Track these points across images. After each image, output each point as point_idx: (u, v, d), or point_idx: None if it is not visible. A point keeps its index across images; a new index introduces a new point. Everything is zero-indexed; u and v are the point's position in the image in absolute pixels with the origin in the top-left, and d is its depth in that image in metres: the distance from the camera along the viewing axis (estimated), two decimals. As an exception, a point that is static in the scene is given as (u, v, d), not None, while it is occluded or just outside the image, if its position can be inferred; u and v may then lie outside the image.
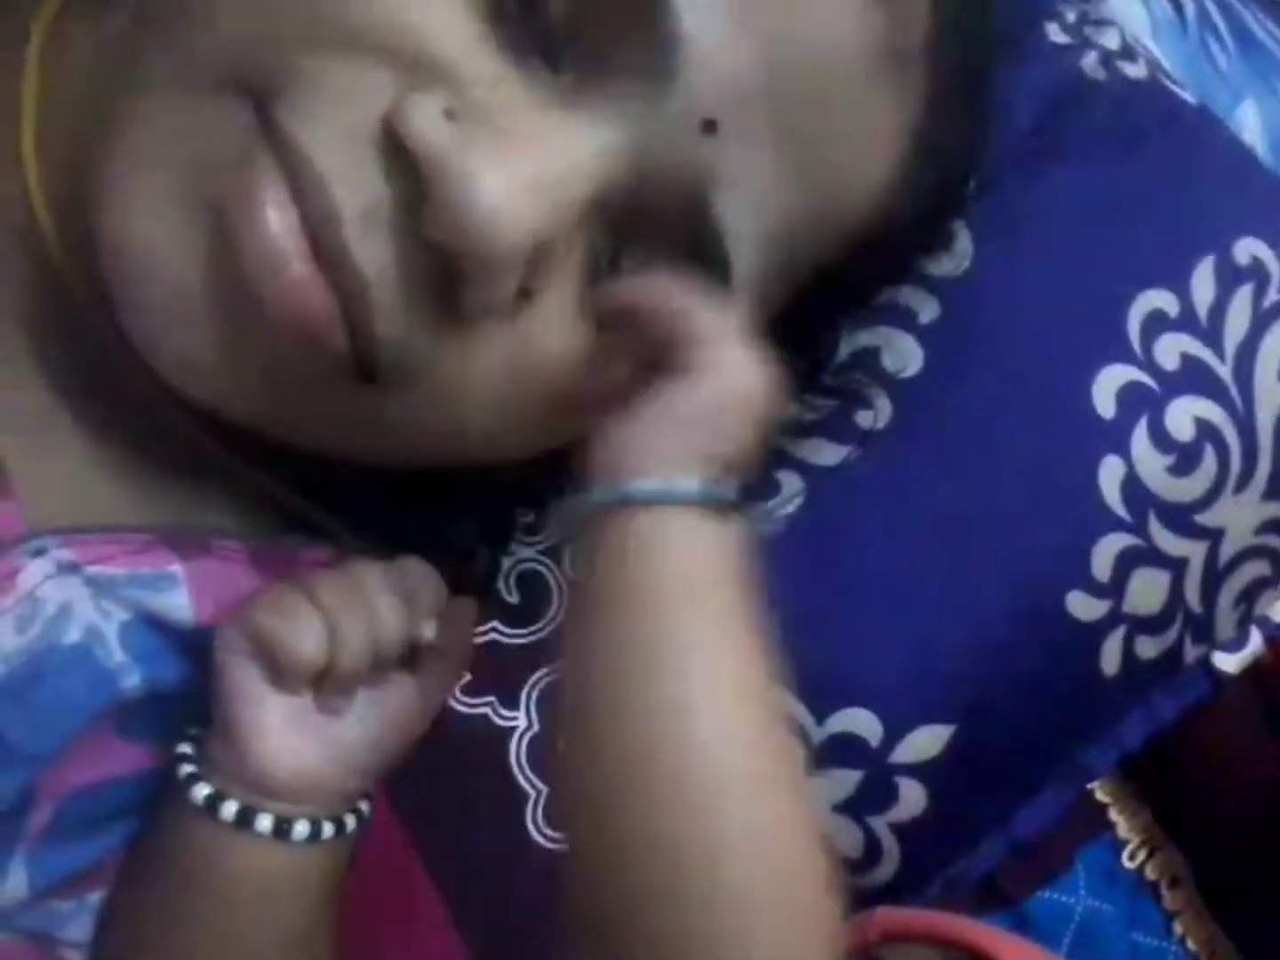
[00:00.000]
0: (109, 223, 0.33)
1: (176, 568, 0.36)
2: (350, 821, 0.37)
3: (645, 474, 0.31)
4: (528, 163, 0.31)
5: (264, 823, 0.35)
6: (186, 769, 0.36)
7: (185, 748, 0.36)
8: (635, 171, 0.33)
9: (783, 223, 0.36)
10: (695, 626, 0.30)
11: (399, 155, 0.31)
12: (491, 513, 0.48)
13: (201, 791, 0.35)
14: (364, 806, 0.38)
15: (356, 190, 0.31)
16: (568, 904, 0.31)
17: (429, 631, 0.37)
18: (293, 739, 0.35)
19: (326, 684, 0.36)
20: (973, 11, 0.39)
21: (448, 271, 0.31)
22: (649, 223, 0.34)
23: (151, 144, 0.32)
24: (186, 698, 0.37)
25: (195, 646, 0.36)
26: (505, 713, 0.49)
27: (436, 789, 0.47)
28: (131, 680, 0.35)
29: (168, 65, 0.33)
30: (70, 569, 0.35)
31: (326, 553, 0.41)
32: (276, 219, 0.31)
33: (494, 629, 0.49)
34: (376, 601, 0.36)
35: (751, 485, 0.33)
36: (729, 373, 0.32)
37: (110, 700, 0.35)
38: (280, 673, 0.35)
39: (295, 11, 0.31)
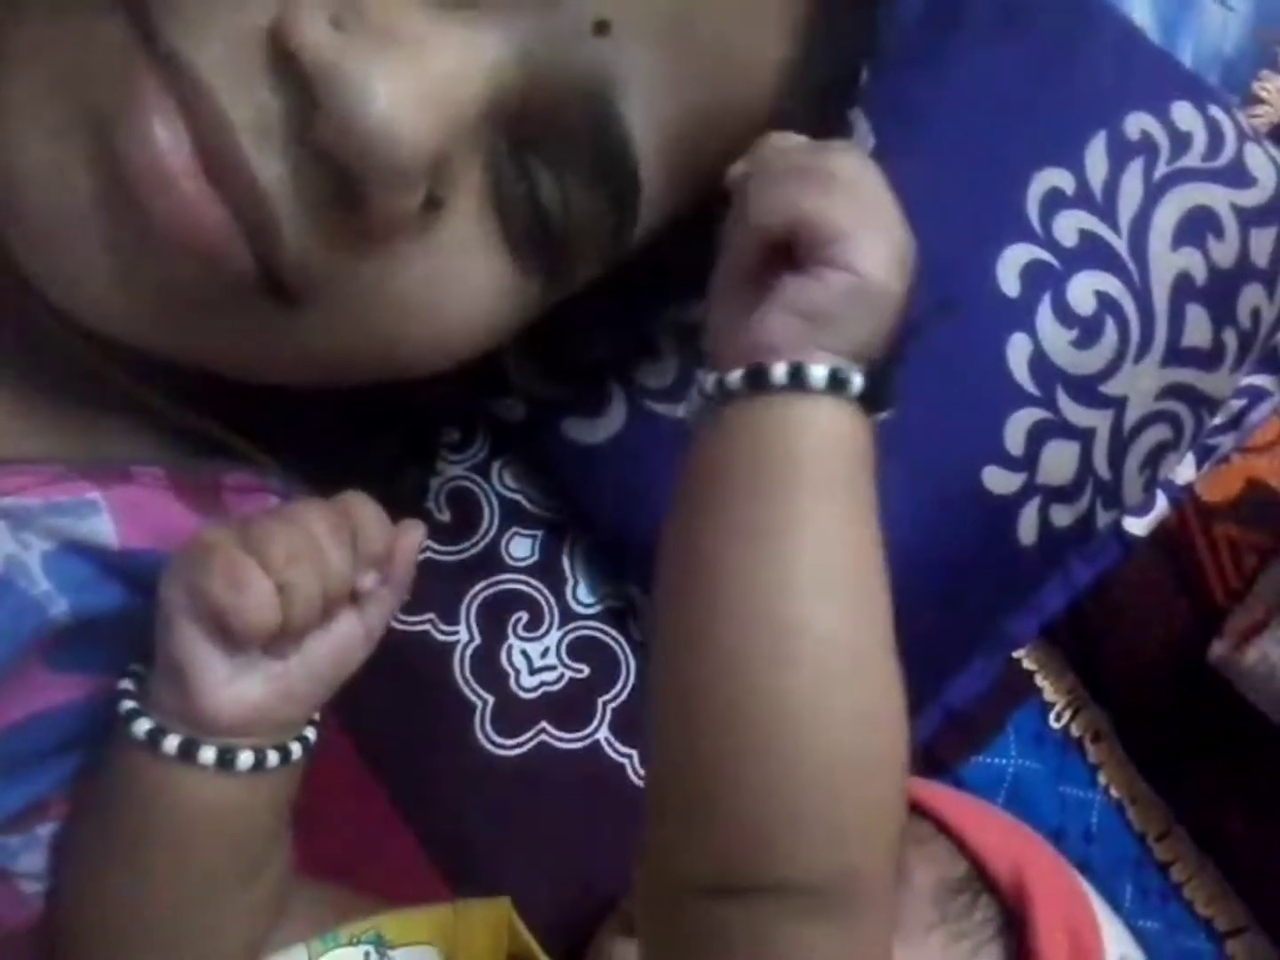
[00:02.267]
0: None
1: (95, 495, 0.36)
2: (296, 749, 0.37)
3: (777, 360, 0.31)
4: (419, 71, 0.30)
5: (207, 755, 0.35)
6: (127, 705, 0.35)
7: (126, 683, 0.36)
8: (530, 76, 0.33)
9: (683, 119, 0.36)
10: (826, 509, 0.31)
11: (288, 65, 0.30)
12: (415, 431, 0.48)
13: (143, 727, 0.35)
14: (309, 733, 0.38)
15: (246, 102, 0.30)
16: (655, 783, 0.31)
17: (369, 581, 0.37)
18: (239, 685, 0.35)
19: (277, 638, 0.35)
20: None
21: (350, 184, 0.31)
22: (553, 127, 0.34)
23: (26, 63, 0.31)
24: (116, 624, 0.36)
25: (122, 572, 0.36)
26: (445, 628, 0.49)
27: (385, 708, 0.48)
28: (59, 608, 0.35)
29: None
30: None
31: (249, 477, 0.41)
32: (163, 133, 0.30)
33: (428, 547, 0.50)
34: (326, 549, 0.36)
35: (882, 376, 0.33)
36: (865, 269, 0.32)
37: (38, 629, 0.34)
38: (232, 640, 0.35)
39: None
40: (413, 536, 0.38)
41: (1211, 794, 0.59)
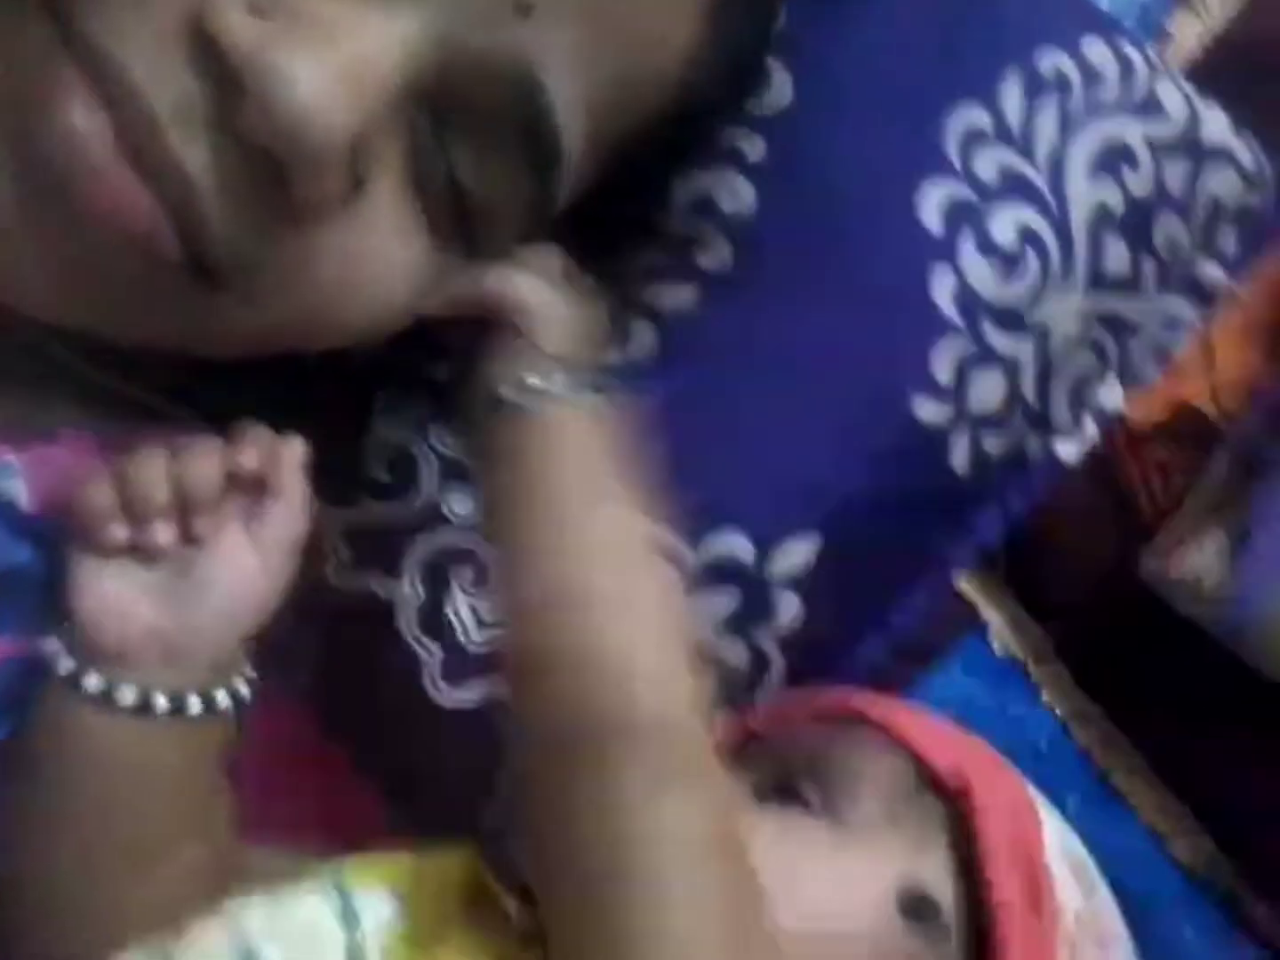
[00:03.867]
0: None
1: (10, 457, 0.36)
2: (221, 698, 0.37)
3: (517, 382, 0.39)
4: (338, 55, 0.31)
5: (126, 695, 0.35)
6: (52, 648, 0.36)
7: (53, 637, 0.37)
8: (450, 56, 0.33)
9: (601, 93, 0.36)
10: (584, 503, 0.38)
11: (209, 52, 0.30)
12: (351, 393, 0.48)
13: (64, 666, 0.36)
14: (240, 687, 0.38)
15: (168, 89, 0.30)
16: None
17: (248, 460, 0.38)
18: (127, 601, 0.36)
19: (144, 545, 0.36)
20: None
21: (273, 168, 0.31)
22: (474, 105, 0.34)
23: None
24: (29, 586, 0.37)
25: (34, 534, 0.36)
26: (390, 586, 0.50)
27: (334, 669, 0.49)
28: None
29: None
30: None
31: (175, 439, 0.41)
32: (85, 123, 0.30)
33: (368, 507, 0.51)
34: (183, 457, 0.37)
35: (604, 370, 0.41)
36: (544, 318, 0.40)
37: None
38: (91, 538, 0.35)
39: None
40: (291, 448, 0.39)
41: (1149, 705, 0.62)
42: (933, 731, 0.44)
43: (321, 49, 0.30)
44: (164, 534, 0.36)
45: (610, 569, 0.37)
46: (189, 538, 0.37)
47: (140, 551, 0.36)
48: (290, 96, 0.30)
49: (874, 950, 0.37)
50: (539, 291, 0.41)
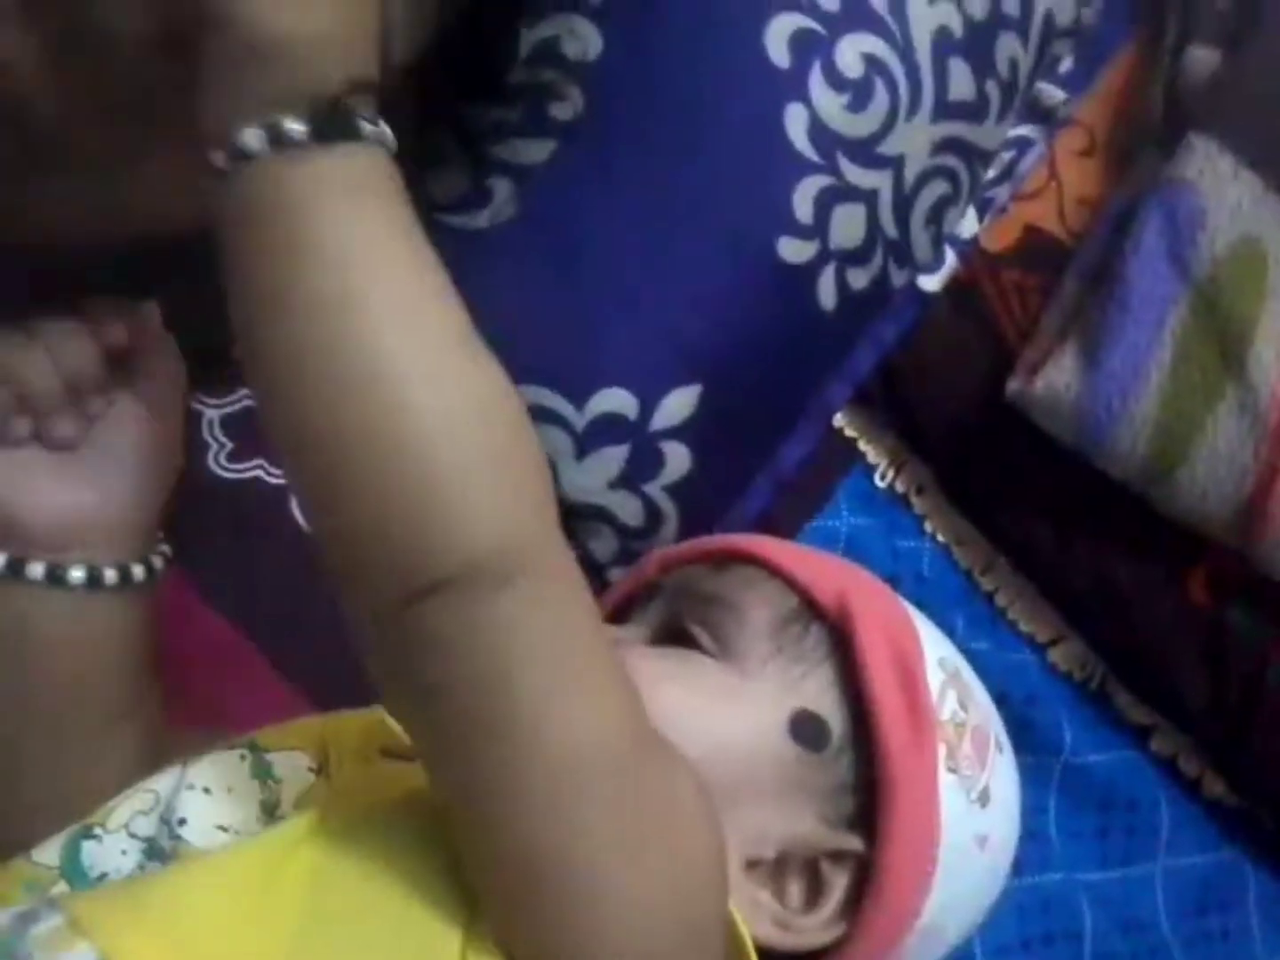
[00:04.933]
0: None
1: None
2: (138, 571, 0.37)
3: (241, 129, 0.28)
4: None
5: (35, 570, 0.35)
6: None
7: None
8: None
9: None
10: (357, 228, 0.29)
11: None
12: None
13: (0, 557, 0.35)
14: (155, 561, 0.38)
15: None
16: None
17: (118, 334, 0.37)
18: (48, 489, 0.36)
19: (50, 436, 0.36)
20: None
21: (84, 39, 0.30)
22: None
23: None
24: None
25: None
26: (276, 470, 0.49)
27: (226, 553, 0.48)
28: None
29: None
30: None
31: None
32: None
33: (246, 396, 0.49)
34: (55, 333, 0.36)
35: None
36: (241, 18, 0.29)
37: None
38: None
39: None
40: (149, 311, 0.39)
41: (1024, 523, 0.64)
42: (814, 562, 0.45)
43: None
44: (66, 422, 0.36)
45: (422, 349, 0.29)
46: (86, 417, 0.37)
47: (48, 441, 0.36)
48: None
49: (771, 773, 0.38)
50: None
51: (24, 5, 0.30)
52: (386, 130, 0.30)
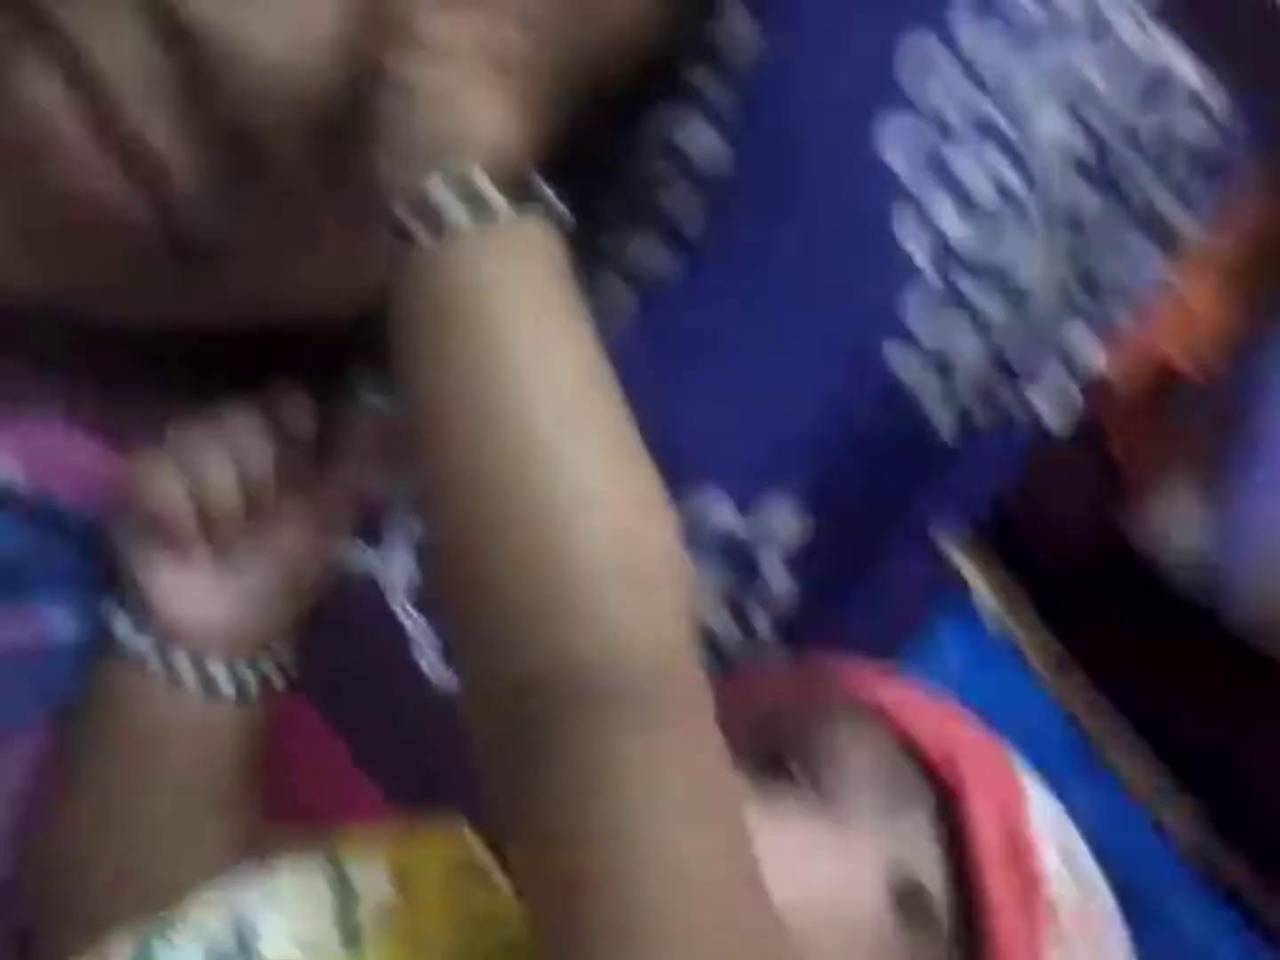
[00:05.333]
0: None
1: None
2: (276, 676, 0.37)
3: (426, 187, 0.28)
4: (292, 21, 0.30)
5: (180, 663, 0.35)
6: (117, 622, 0.36)
7: (118, 611, 0.36)
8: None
9: (562, 47, 0.36)
10: (531, 300, 0.29)
11: (166, 20, 0.30)
12: (329, 365, 0.47)
13: (130, 642, 0.36)
14: (283, 658, 0.38)
15: (126, 60, 0.30)
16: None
17: (302, 432, 0.36)
18: (199, 591, 0.36)
19: (211, 533, 0.35)
20: None
21: (238, 136, 0.31)
22: None
23: None
24: (26, 562, 0.36)
25: (27, 509, 0.36)
26: (378, 559, 0.49)
27: (322, 644, 0.47)
28: None
29: None
30: None
31: (153, 411, 0.40)
32: (48, 100, 0.30)
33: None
34: (238, 434, 0.36)
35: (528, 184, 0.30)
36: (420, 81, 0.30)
37: None
38: (159, 530, 0.35)
39: None
40: (359, 428, 0.38)
41: (1134, 663, 0.61)
42: (920, 707, 0.43)
43: (277, 15, 0.30)
44: (237, 536, 0.36)
45: (579, 444, 0.28)
46: (256, 529, 0.36)
47: (214, 548, 0.36)
48: (249, 66, 0.30)
49: (866, 936, 0.35)
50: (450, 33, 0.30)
51: (184, 103, 0.31)
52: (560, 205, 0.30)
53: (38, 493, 0.36)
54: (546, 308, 0.29)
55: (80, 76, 0.30)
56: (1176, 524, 0.57)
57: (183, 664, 0.35)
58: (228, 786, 0.37)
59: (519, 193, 0.29)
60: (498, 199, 0.28)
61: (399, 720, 0.48)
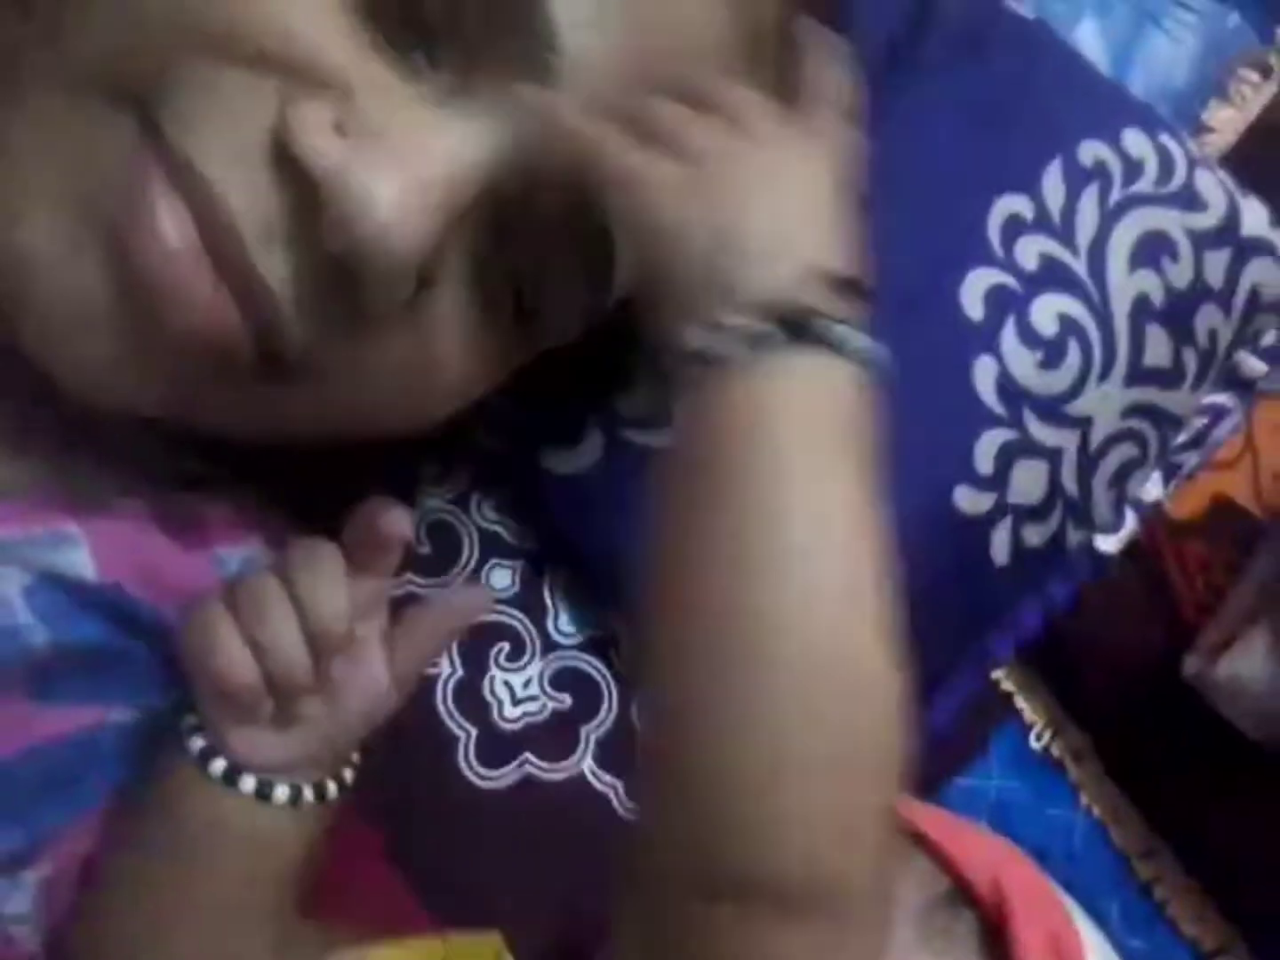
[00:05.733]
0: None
1: (73, 527, 0.36)
2: (332, 789, 0.38)
3: (698, 329, 0.29)
4: (417, 170, 0.32)
5: (246, 784, 0.36)
6: (187, 721, 0.37)
7: (187, 716, 0.37)
8: (521, 163, 0.34)
9: None
10: (806, 479, 0.29)
11: (290, 166, 0.31)
12: (395, 465, 0.48)
13: (196, 744, 0.36)
14: (346, 774, 0.39)
15: (251, 201, 0.31)
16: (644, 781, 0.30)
17: (380, 572, 0.37)
18: (261, 739, 0.36)
19: (278, 694, 0.36)
20: None
21: (348, 277, 0.32)
22: (536, 208, 0.35)
23: (33, 153, 0.32)
24: (97, 656, 0.37)
25: (99, 604, 0.37)
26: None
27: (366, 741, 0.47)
28: (39, 638, 0.35)
29: (43, 70, 0.32)
30: None
31: (230, 511, 0.41)
32: (176, 236, 0.31)
33: (409, 580, 0.50)
34: (312, 578, 0.36)
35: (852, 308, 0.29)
36: (658, 224, 0.30)
37: (20, 656, 0.35)
38: (223, 695, 0.36)
39: (173, 17, 0.31)
40: (474, 599, 0.39)
41: (1192, 811, 0.60)
42: (968, 840, 0.42)
43: (399, 167, 0.31)
44: (305, 701, 0.36)
45: (836, 627, 0.28)
46: (324, 687, 0.37)
47: (279, 704, 0.36)
48: (370, 216, 0.31)
49: None
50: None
51: (299, 241, 0.32)
52: (858, 335, 0.30)
53: (108, 587, 0.37)
54: (827, 446, 0.30)
55: (205, 210, 0.31)
56: (1240, 668, 0.56)
57: (247, 784, 0.36)
58: (280, 892, 0.37)
59: (800, 329, 0.29)
60: (774, 337, 0.29)
61: (436, 818, 0.48)
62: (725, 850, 0.27)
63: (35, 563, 0.35)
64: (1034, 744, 0.61)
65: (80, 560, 0.36)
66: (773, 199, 0.32)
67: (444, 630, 0.40)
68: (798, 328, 0.29)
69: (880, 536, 0.30)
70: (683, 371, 0.30)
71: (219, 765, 0.36)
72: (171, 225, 0.31)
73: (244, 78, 0.31)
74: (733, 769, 0.28)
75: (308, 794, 0.37)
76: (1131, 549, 0.60)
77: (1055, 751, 0.61)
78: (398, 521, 0.38)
